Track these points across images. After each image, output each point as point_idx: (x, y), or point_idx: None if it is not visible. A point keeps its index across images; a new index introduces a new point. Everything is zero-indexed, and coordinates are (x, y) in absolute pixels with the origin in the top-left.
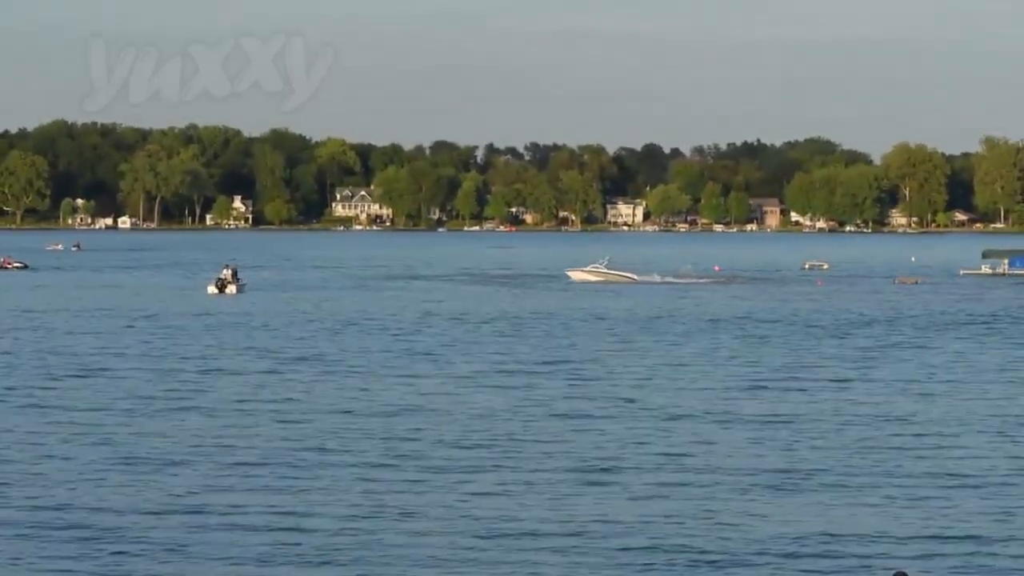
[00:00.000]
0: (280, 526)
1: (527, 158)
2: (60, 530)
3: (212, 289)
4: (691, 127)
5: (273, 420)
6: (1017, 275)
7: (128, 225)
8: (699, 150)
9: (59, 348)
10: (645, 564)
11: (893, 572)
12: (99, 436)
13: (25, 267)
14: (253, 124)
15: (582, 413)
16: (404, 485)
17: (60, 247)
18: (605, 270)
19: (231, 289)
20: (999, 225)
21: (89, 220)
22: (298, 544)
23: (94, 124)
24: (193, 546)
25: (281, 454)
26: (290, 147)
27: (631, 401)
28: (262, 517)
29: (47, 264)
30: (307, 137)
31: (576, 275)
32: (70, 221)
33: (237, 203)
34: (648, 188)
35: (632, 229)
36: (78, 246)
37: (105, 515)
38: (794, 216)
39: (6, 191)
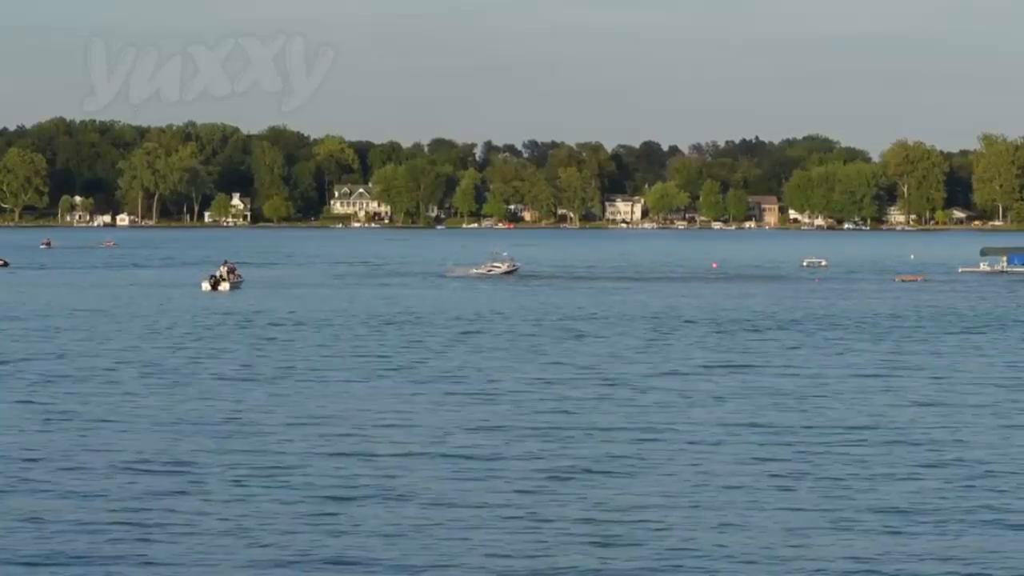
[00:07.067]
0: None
1: (525, 155)
2: None
3: (206, 286)
4: (689, 125)
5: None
6: (1016, 272)
7: (127, 222)
8: (697, 148)
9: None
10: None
11: None
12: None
13: (5, 264)
14: (251, 122)
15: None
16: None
17: (112, 244)
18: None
19: (224, 286)
20: (997, 223)
21: (87, 218)
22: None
23: (92, 122)
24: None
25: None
26: (288, 145)
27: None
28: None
29: (36, 262)
30: (305, 135)
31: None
32: (68, 218)
33: (236, 200)
34: (646, 186)
35: (630, 226)
36: (48, 243)
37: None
38: (792, 214)
39: (4, 188)
